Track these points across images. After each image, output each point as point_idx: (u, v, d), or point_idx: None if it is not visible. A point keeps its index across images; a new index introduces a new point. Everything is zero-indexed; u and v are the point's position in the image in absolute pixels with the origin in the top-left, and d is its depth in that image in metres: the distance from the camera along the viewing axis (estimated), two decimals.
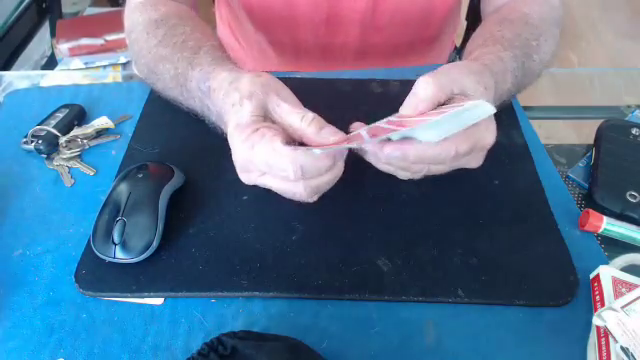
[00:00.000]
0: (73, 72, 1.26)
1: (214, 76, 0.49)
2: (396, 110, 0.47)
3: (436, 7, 0.73)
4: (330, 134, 0.43)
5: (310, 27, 0.73)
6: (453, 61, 0.96)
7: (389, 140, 0.43)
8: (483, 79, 0.47)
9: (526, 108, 0.64)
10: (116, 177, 0.52)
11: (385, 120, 0.46)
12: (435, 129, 0.41)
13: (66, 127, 0.61)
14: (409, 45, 0.78)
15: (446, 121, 0.41)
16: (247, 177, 0.46)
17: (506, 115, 0.62)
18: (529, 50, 0.55)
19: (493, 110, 0.42)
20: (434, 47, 0.84)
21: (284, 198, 0.48)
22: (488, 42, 0.55)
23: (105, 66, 1.37)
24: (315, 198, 0.46)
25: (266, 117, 0.45)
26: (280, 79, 0.48)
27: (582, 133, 0.63)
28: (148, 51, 0.57)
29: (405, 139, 0.43)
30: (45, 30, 1.53)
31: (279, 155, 0.41)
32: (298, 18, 0.72)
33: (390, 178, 0.49)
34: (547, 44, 0.58)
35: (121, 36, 1.41)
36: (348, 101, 0.64)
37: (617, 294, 0.44)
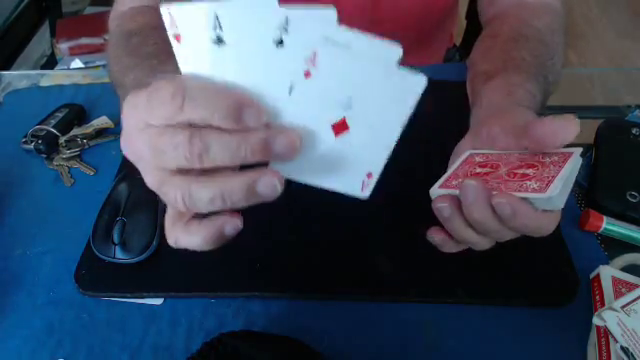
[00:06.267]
0: (73, 72, 1.26)
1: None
2: None
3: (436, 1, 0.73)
4: None
5: None
6: (452, 58, 0.95)
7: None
8: None
9: None
10: (116, 177, 0.52)
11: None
12: (561, 192, 0.34)
13: (66, 127, 0.61)
14: (409, 41, 0.79)
15: (565, 178, 0.35)
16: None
17: None
18: (546, 72, 0.53)
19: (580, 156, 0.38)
20: (433, 43, 0.84)
21: (285, 198, 0.47)
22: (509, 66, 0.52)
23: (105, 65, 1.36)
24: (197, 162, 0.30)
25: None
26: None
27: (582, 133, 0.63)
28: (116, 62, 0.53)
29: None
30: (45, 29, 1.53)
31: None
32: None
33: (390, 178, 0.49)
34: (559, 59, 0.57)
35: None
36: None
37: (617, 294, 0.44)
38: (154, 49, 0.51)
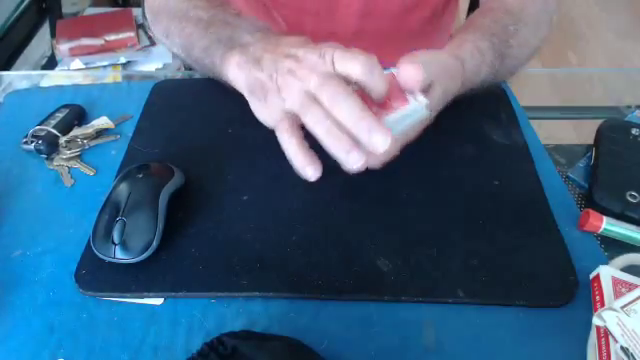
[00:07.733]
0: (73, 72, 1.26)
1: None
2: None
3: None
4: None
5: (311, 3, 0.73)
6: None
7: None
8: (451, 85, 0.50)
9: (526, 108, 0.64)
10: (116, 177, 0.52)
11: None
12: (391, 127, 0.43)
13: (66, 127, 0.61)
14: (407, 36, 0.79)
15: (396, 120, 0.44)
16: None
17: (506, 115, 0.62)
18: (506, 36, 0.57)
19: (427, 116, 0.46)
20: (433, 43, 0.84)
21: (284, 198, 0.47)
22: (469, 28, 0.57)
23: (105, 66, 1.37)
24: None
25: None
26: None
27: (582, 133, 0.63)
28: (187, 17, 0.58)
29: None
30: (45, 30, 1.53)
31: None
32: None
33: (390, 178, 0.49)
34: (527, 29, 0.60)
35: (121, 36, 1.41)
36: None
37: (617, 294, 0.44)
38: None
